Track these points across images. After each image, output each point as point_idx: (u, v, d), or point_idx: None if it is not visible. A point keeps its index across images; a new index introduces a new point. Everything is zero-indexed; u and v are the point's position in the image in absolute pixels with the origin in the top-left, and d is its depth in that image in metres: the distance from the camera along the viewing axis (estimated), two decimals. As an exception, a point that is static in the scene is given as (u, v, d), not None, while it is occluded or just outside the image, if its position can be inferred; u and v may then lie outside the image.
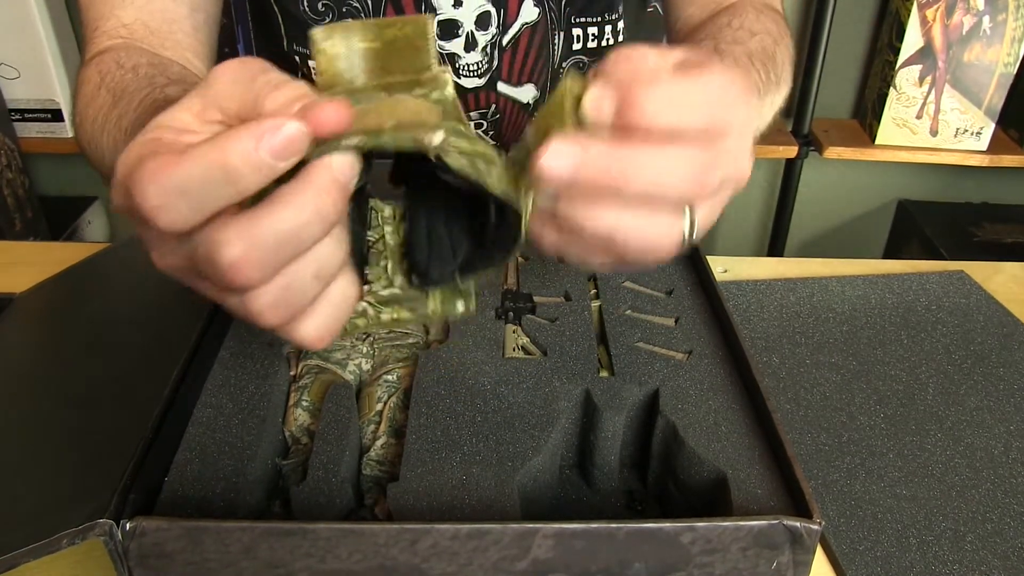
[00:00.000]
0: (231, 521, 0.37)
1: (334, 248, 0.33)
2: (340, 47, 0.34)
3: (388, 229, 0.38)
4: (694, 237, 0.36)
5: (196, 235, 0.31)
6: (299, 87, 0.33)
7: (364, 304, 0.38)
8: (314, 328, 0.34)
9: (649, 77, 0.32)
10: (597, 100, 0.32)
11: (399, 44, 0.33)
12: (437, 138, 0.32)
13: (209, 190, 0.30)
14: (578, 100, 0.32)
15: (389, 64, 0.33)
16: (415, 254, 0.38)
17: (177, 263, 0.33)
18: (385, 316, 0.38)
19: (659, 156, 0.32)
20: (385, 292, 0.38)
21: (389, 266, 0.38)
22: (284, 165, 0.30)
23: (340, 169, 0.32)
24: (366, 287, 0.38)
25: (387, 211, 0.39)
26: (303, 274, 0.32)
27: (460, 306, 0.38)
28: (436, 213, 0.38)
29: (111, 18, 0.69)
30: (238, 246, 0.30)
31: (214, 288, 0.33)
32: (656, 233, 0.34)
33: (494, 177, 0.33)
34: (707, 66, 0.34)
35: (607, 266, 0.37)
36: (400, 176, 0.39)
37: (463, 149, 0.32)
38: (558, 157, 0.32)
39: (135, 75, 0.62)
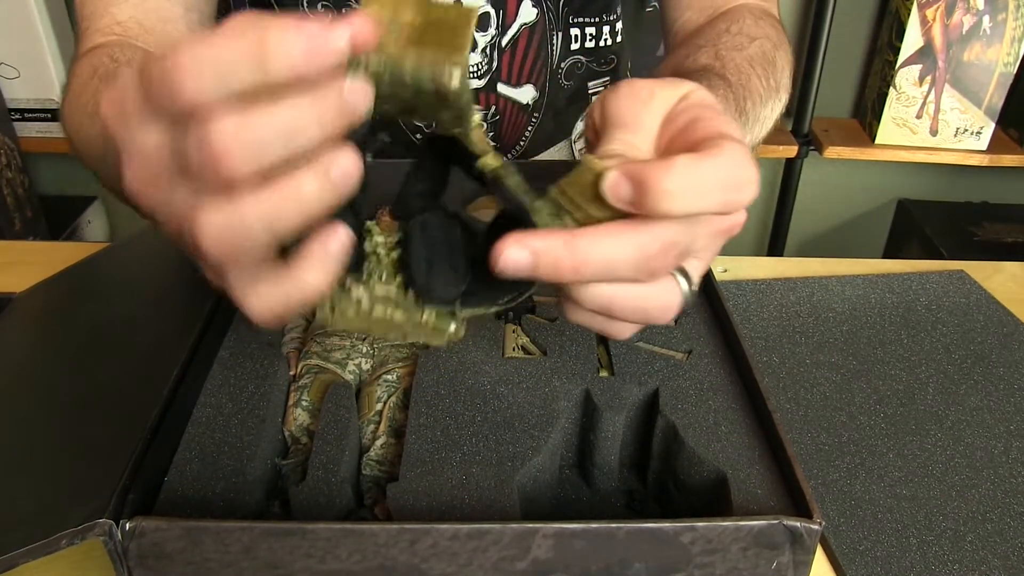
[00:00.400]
0: (231, 521, 0.37)
1: (320, 189, 0.31)
2: (387, 12, 0.34)
3: (381, 251, 0.38)
4: (693, 290, 0.37)
5: (195, 114, 0.29)
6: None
7: (359, 294, 0.37)
8: (267, 295, 0.33)
9: (663, 163, 0.32)
10: (613, 185, 0.33)
11: (440, 27, 0.34)
12: (455, 80, 0.32)
13: (239, 70, 0.29)
14: (598, 177, 0.33)
15: (425, 43, 0.33)
16: (413, 275, 0.37)
17: (157, 149, 0.31)
18: (377, 312, 0.37)
19: (612, 247, 0.33)
20: (380, 291, 0.38)
21: (384, 276, 0.38)
22: (309, 67, 0.29)
23: (351, 89, 0.31)
24: (361, 279, 0.37)
25: (378, 238, 0.38)
26: (284, 196, 0.30)
27: (452, 327, 0.37)
28: (437, 243, 0.38)
29: (105, 15, 0.69)
30: (231, 125, 0.29)
31: (187, 190, 0.30)
32: (653, 302, 0.36)
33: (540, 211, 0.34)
34: (717, 137, 0.34)
35: (624, 332, 0.38)
36: (402, 210, 0.39)
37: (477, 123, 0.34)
38: (514, 255, 0.33)
39: (130, 68, 0.61)
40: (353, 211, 0.36)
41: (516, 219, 0.35)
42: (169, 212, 0.31)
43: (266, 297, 0.33)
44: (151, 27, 0.68)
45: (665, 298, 0.36)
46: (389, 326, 0.38)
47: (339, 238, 0.33)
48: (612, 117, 0.38)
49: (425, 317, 0.37)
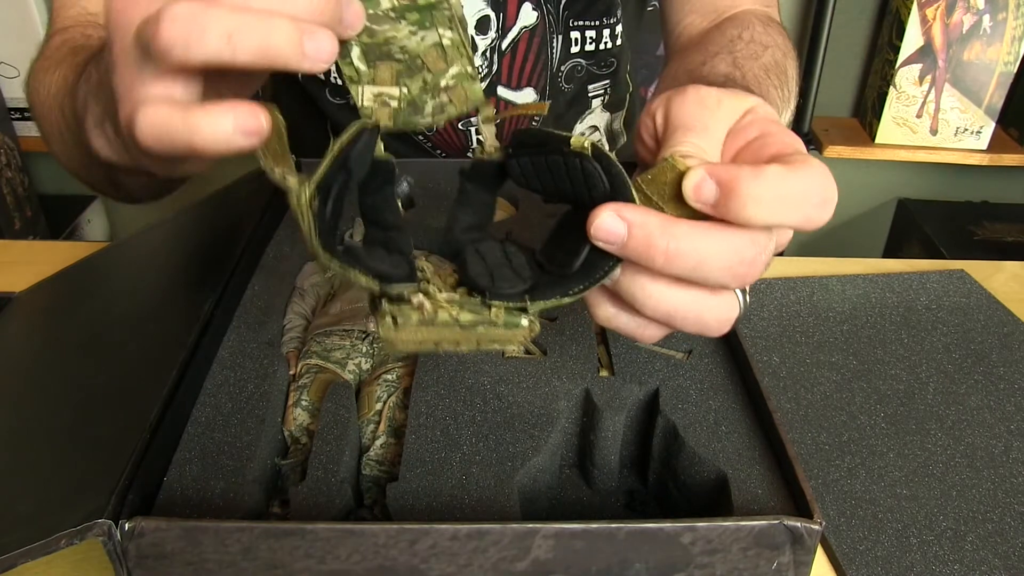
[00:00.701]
0: (230, 521, 0.37)
1: (288, 40, 0.31)
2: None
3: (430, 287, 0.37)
4: (748, 303, 0.37)
5: None
6: None
7: (419, 300, 0.35)
8: (160, 113, 0.32)
9: (754, 171, 0.32)
10: (697, 185, 0.32)
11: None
12: None
13: None
14: (680, 176, 0.33)
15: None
16: (476, 281, 0.36)
17: None
18: (442, 316, 0.35)
19: (710, 243, 0.32)
20: (443, 296, 0.36)
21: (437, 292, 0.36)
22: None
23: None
24: (424, 288, 0.36)
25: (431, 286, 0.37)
26: (255, 20, 0.31)
27: (525, 321, 0.36)
28: (494, 257, 0.38)
29: (75, 6, 0.69)
30: None
31: None
32: (714, 314, 0.35)
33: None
34: (797, 154, 0.34)
35: (655, 337, 0.37)
36: (450, 248, 0.38)
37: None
38: (610, 223, 0.32)
39: (101, 43, 0.61)
40: (399, 251, 0.36)
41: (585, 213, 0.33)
42: (142, 9, 0.32)
43: (158, 114, 0.32)
44: None
45: (727, 310, 0.35)
46: (457, 332, 0.36)
47: (259, 117, 0.32)
48: (678, 120, 0.37)
49: (494, 313, 0.35)
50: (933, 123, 1.63)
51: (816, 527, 0.38)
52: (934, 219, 1.74)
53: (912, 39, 1.55)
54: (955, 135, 1.64)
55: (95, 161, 0.48)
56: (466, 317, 0.35)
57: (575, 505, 0.50)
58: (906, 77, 1.59)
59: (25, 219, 1.57)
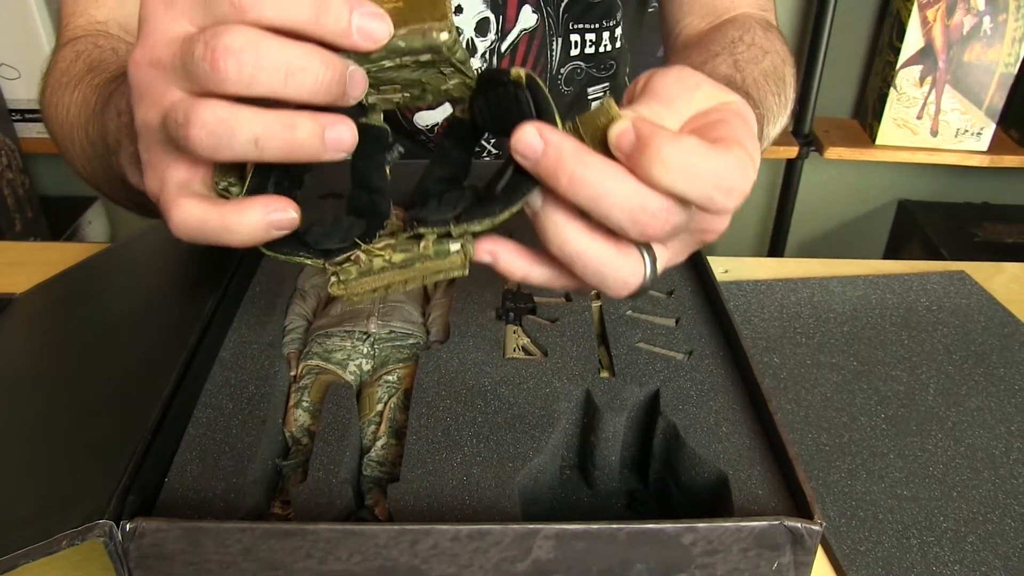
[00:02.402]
0: (231, 522, 0.37)
1: (310, 137, 0.33)
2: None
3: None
4: (654, 277, 0.37)
5: (236, 7, 0.32)
6: None
7: (355, 253, 0.38)
8: (195, 211, 0.34)
9: (673, 135, 0.33)
10: (620, 133, 0.33)
11: (420, 5, 0.35)
12: (443, 35, 0.34)
13: (297, 6, 0.32)
14: (610, 122, 0.34)
15: (410, 21, 0.35)
16: (412, 208, 0.38)
17: (178, 32, 0.33)
18: (377, 261, 0.38)
19: (617, 182, 0.33)
20: (377, 243, 0.38)
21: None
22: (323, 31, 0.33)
23: (353, 72, 0.34)
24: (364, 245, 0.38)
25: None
26: (279, 125, 0.32)
27: (454, 247, 0.37)
28: (435, 172, 0.41)
29: (84, 15, 0.69)
30: (243, 37, 0.31)
31: (185, 79, 0.33)
32: (616, 270, 0.36)
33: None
34: (734, 142, 0.34)
35: (567, 287, 0.39)
36: (419, 198, 0.40)
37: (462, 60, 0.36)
38: (529, 136, 0.34)
39: (114, 54, 0.61)
40: (378, 214, 0.39)
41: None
42: (162, 94, 0.33)
43: (192, 212, 0.34)
44: (131, 29, 0.68)
45: (628, 272, 0.36)
46: (397, 273, 0.38)
47: (289, 212, 0.35)
48: (653, 88, 0.38)
49: (423, 246, 0.37)
50: (933, 124, 1.63)
51: (817, 528, 0.38)
52: (934, 220, 1.74)
53: (912, 40, 1.55)
54: (955, 136, 1.64)
55: (127, 185, 0.50)
56: (399, 257, 0.38)
57: (576, 506, 0.50)
58: (906, 78, 1.59)
59: (26, 220, 1.57)
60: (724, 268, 0.82)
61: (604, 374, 0.52)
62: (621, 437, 0.49)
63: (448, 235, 0.37)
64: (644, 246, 0.36)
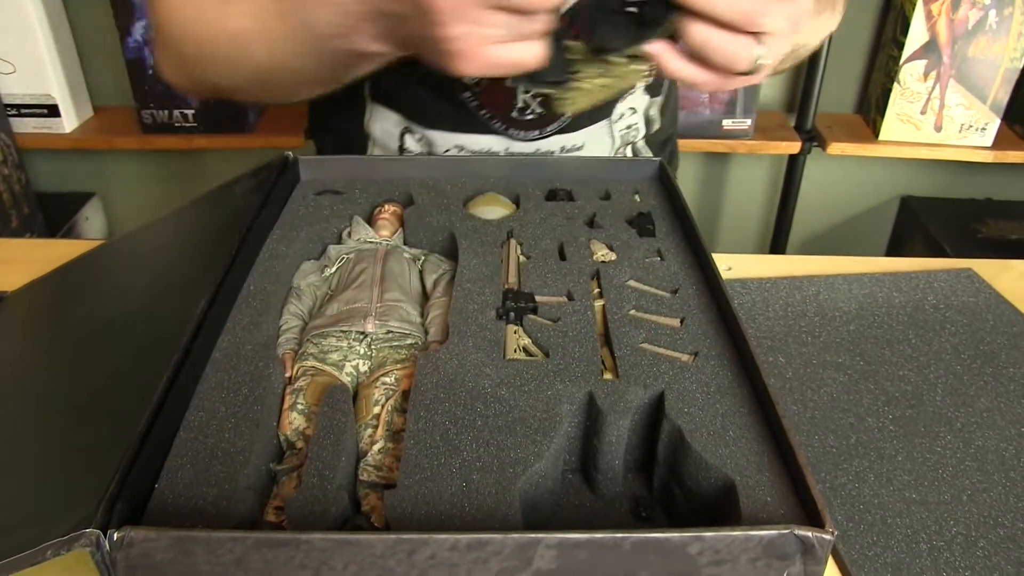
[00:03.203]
0: (222, 531, 0.36)
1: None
2: None
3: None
4: (763, 60, 0.52)
5: None
6: None
7: (575, 80, 0.55)
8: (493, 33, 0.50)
9: None
10: None
11: None
12: None
13: None
14: None
15: None
16: (595, 42, 0.54)
17: None
18: (597, 81, 0.55)
19: None
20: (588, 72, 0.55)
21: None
22: None
23: None
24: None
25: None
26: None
27: (635, 65, 0.54)
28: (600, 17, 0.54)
29: None
30: None
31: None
32: (735, 49, 0.51)
33: None
34: None
35: (701, 82, 0.54)
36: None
37: None
38: None
39: None
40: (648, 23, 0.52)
41: None
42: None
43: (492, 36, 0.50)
44: None
45: (744, 51, 0.52)
46: (601, 92, 0.56)
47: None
48: None
49: (617, 64, 0.54)
50: (937, 120, 1.61)
51: (828, 536, 0.37)
52: (938, 217, 1.73)
53: (917, 35, 1.53)
54: (960, 132, 1.62)
55: (345, 59, 0.62)
56: (602, 81, 0.55)
57: (578, 512, 0.49)
58: (910, 73, 1.57)
59: (22, 216, 1.56)
60: (727, 265, 0.81)
61: (607, 376, 0.50)
62: (625, 441, 0.48)
63: (630, 56, 0.53)
64: (753, 35, 0.51)
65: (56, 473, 0.42)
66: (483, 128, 0.81)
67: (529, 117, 0.81)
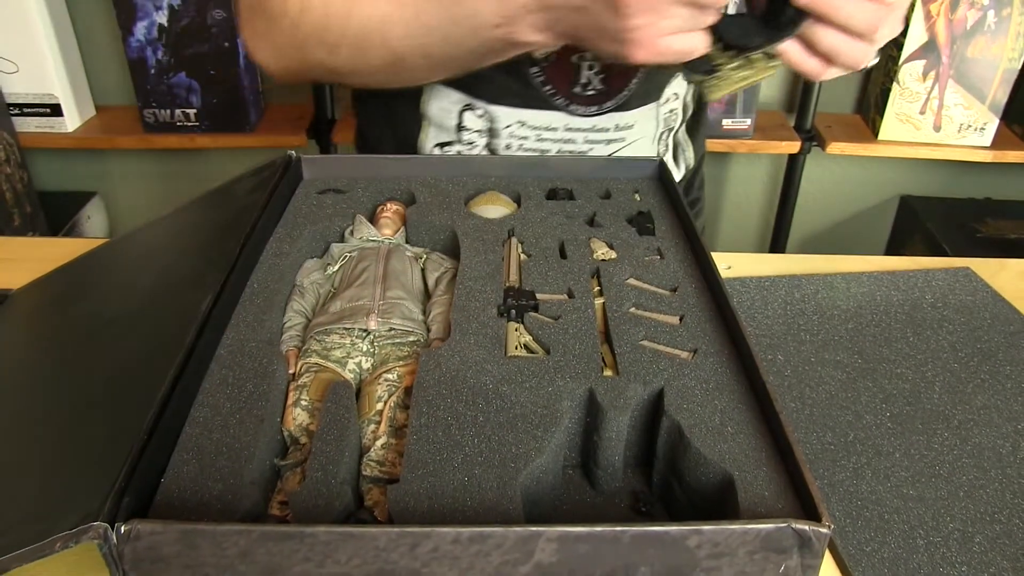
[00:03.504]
0: (228, 524, 0.37)
1: None
2: None
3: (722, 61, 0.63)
4: (878, 57, 0.63)
5: None
6: None
7: (720, 71, 0.63)
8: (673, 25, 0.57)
9: None
10: None
11: None
12: None
13: None
14: None
15: None
16: (736, 41, 0.61)
17: None
18: (739, 73, 0.63)
19: (855, 8, 0.57)
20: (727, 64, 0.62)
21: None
22: None
23: None
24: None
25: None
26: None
27: (774, 63, 0.62)
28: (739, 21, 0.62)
29: None
30: None
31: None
32: (859, 52, 0.60)
33: None
34: None
35: (821, 74, 0.62)
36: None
37: None
38: None
39: None
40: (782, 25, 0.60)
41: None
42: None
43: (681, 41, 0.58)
44: None
45: (864, 53, 0.60)
46: (740, 81, 0.63)
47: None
48: None
49: (755, 60, 0.62)
50: (936, 120, 1.62)
51: (825, 530, 0.38)
52: (937, 216, 1.73)
53: (915, 35, 1.54)
54: (959, 132, 1.63)
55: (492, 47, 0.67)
56: (743, 73, 0.63)
57: (578, 507, 0.50)
58: (909, 73, 1.58)
59: (24, 215, 1.56)
60: (727, 264, 0.81)
61: (607, 373, 0.51)
62: (625, 437, 0.49)
63: (769, 54, 0.61)
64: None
65: (63, 468, 0.42)
66: (545, 104, 0.83)
67: (589, 93, 0.83)
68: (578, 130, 0.84)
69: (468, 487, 0.42)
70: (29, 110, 1.57)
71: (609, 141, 0.86)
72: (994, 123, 1.61)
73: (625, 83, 0.83)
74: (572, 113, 0.83)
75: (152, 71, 1.52)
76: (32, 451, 0.45)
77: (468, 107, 0.84)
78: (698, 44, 0.59)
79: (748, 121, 1.62)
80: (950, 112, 1.61)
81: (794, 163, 1.73)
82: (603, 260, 0.62)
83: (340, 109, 1.69)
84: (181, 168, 1.81)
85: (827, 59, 0.61)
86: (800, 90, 1.68)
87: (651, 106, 0.87)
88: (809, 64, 0.62)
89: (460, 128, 0.85)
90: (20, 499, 0.41)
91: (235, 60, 1.52)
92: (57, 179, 1.80)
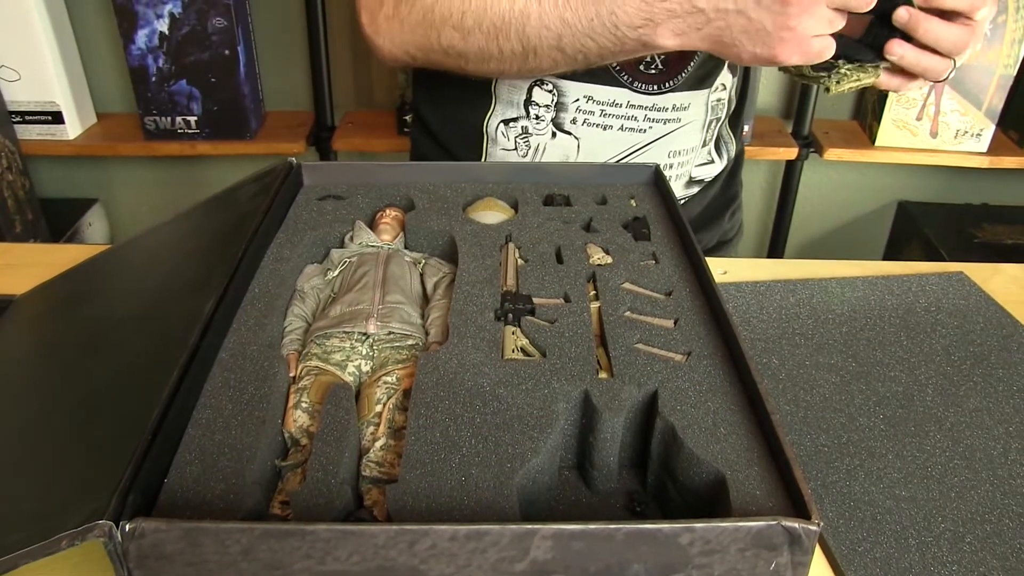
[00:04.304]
0: (230, 522, 0.37)
1: None
2: None
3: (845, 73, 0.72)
4: (958, 67, 0.69)
5: None
6: None
7: (832, 79, 0.71)
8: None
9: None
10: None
11: None
12: None
13: None
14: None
15: None
16: (848, 54, 0.70)
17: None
18: (853, 74, 0.71)
19: (944, 28, 0.65)
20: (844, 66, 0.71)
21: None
22: None
23: None
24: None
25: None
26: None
27: (879, 71, 0.71)
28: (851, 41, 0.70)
29: None
30: None
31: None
32: (941, 67, 0.67)
33: None
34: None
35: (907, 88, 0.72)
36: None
37: None
38: (903, 12, 0.66)
39: None
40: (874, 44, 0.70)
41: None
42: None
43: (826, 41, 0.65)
44: None
45: (948, 68, 0.67)
46: (855, 84, 0.71)
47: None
48: None
49: (866, 69, 0.70)
50: (933, 126, 1.63)
51: (814, 528, 0.39)
52: (934, 222, 1.74)
53: (912, 42, 1.55)
54: (955, 138, 1.64)
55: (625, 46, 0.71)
56: (856, 77, 0.71)
57: (574, 506, 0.50)
58: (906, 80, 1.59)
59: (26, 222, 1.57)
60: (723, 269, 0.82)
61: (602, 375, 0.52)
62: (619, 438, 0.49)
63: (876, 66, 0.71)
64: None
65: (69, 468, 0.43)
66: (611, 80, 0.85)
67: (652, 71, 0.85)
68: (640, 107, 0.87)
69: (465, 487, 0.43)
70: (31, 118, 1.58)
71: (666, 121, 0.88)
72: (990, 129, 1.62)
73: (684, 66, 0.86)
74: (636, 90, 0.86)
75: (153, 79, 1.53)
76: (38, 452, 0.46)
77: (538, 82, 0.86)
78: (831, 46, 0.65)
79: (746, 127, 1.63)
80: (946, 118, 1.62)
81: (792, 169, 1.74)
82: (599, 265, 0.63)
83: (339, 116, 1.70)
84: (182, 175, 1.82)
85: (913, 75, 0.69)
86: (798, 97, 1.69)
87: (703, 92, 0.90)
88: (895, 81, 0.70)
89: (528, 103, 0.87)
90: (27, 498, 0.41)
91: (235, 68, 1.53)
92: (58, 186, 1.81)
